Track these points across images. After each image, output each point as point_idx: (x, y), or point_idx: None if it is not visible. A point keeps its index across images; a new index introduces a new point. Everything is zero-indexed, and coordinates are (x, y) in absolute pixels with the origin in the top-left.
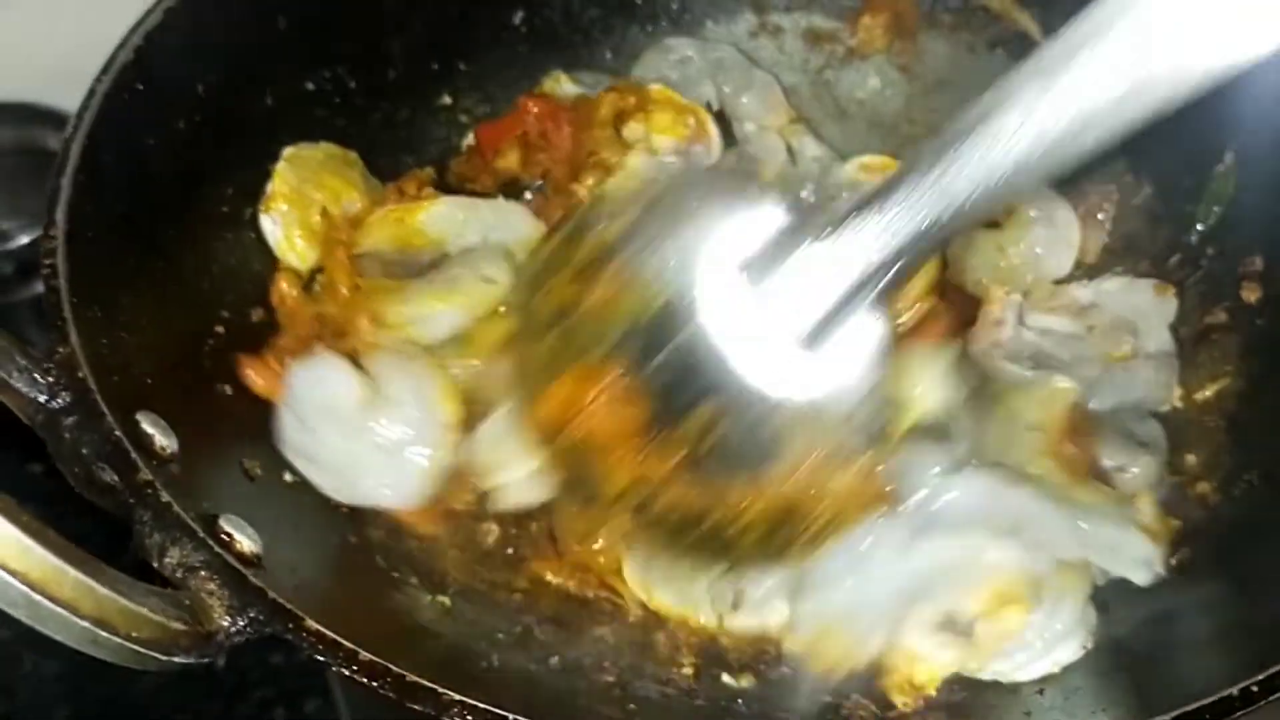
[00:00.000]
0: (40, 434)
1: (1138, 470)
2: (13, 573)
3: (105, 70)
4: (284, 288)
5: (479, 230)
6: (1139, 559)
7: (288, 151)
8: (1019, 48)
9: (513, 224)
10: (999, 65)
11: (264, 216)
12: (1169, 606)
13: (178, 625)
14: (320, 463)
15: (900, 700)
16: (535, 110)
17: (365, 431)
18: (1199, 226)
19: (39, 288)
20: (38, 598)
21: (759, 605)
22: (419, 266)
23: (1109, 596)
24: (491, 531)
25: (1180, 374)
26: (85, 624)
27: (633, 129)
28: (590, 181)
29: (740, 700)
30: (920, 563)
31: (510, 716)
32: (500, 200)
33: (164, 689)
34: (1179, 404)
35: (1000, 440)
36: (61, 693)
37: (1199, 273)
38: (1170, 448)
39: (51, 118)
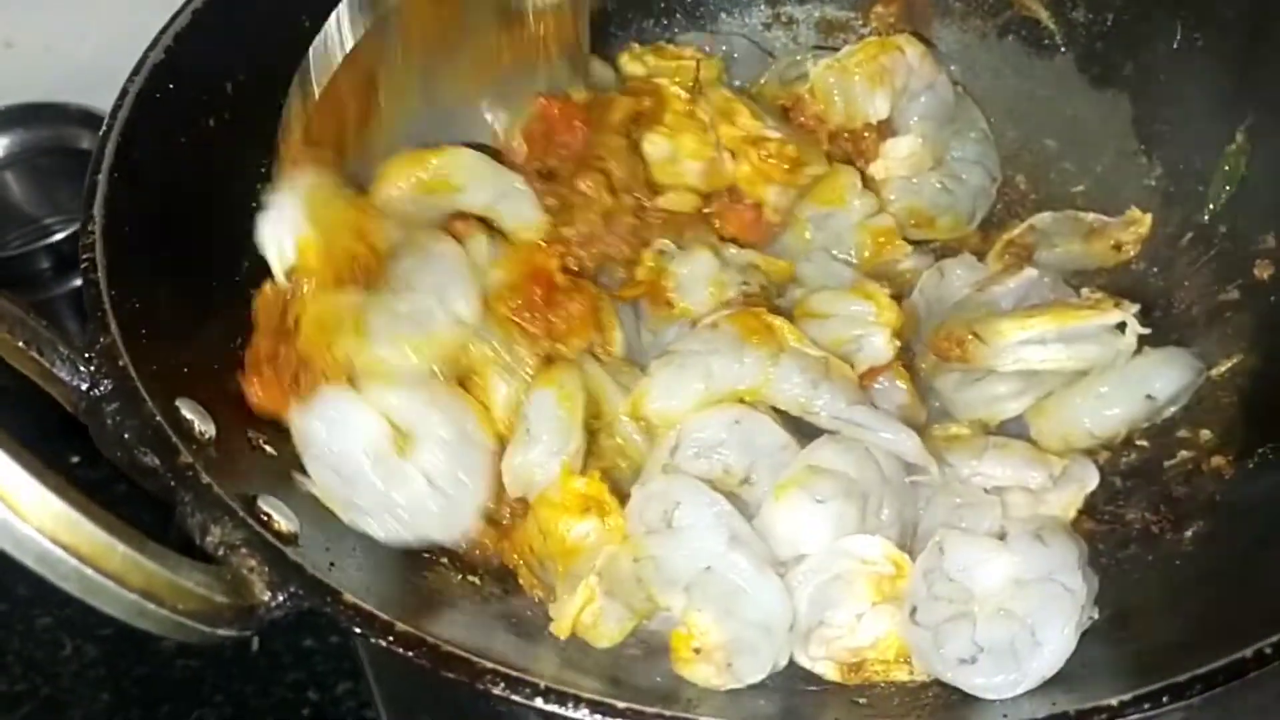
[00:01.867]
0: (83, 420)
1: None
2: (64, 547)
3: (137, 71)
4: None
5: (489, 194)
6: None
7: None
8: (1030, 34)
9: (520, 206)
10: (1010, 52)
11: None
12: (1184, 576)
13: (221, 599)
14: (368, 510)
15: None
16: (556, 112)
17: (407, 472)
18: (1211, 206)
19: (76, 282)
20: (88, 571)
21: None
22: (431, 218)
23: (1126, 566)
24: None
25: (1197, 349)
26: (134, 596)
27: (657, 145)
28: (588, 184)
29: None
30: None
31: (541, 683)
32: (519, 179)
33: (201, 672)
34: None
35: None
36: (101, 676)
37: (1211, 251)
38: (1188, 424)
39: (84, 118)
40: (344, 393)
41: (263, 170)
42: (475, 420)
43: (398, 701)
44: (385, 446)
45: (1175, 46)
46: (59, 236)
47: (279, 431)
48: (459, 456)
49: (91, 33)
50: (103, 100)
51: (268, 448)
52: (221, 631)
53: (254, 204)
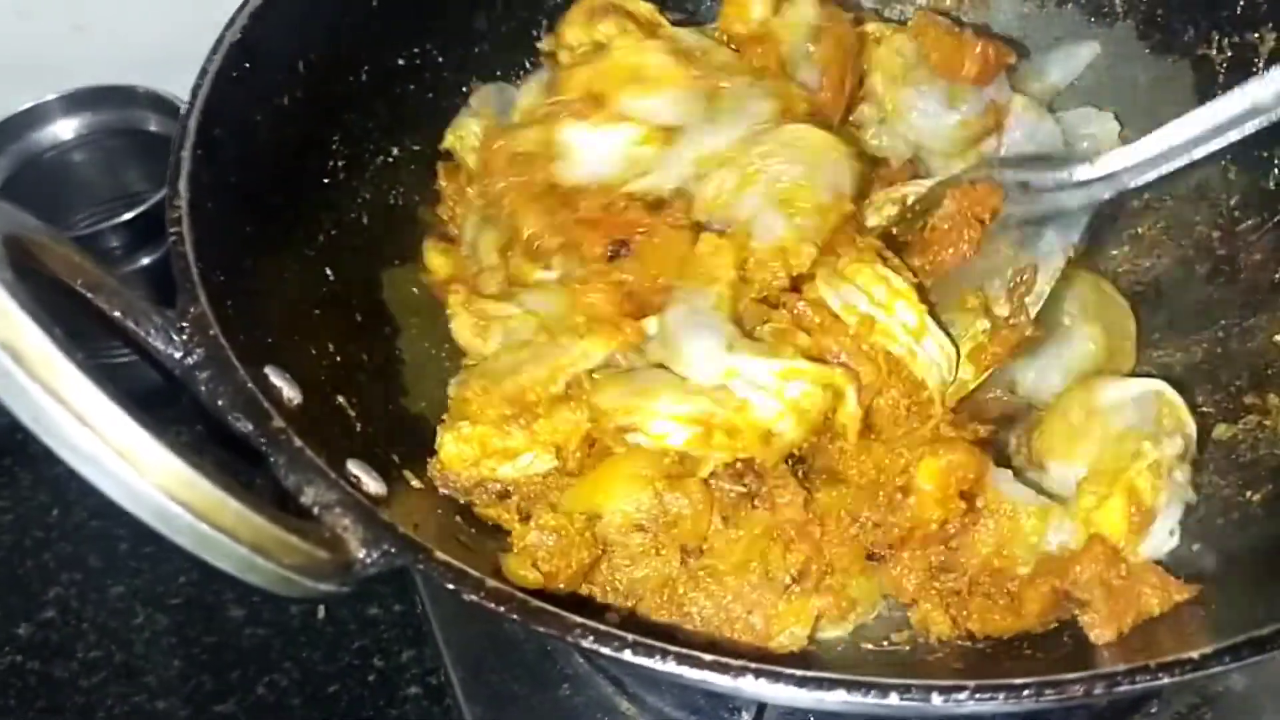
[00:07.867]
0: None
1: None
2: (180, 503)
3: (215, 51)
4: None
5: None
6: None
7: None
8: (1090, 2)
9: None
10: (1069, 20)
11: None
12: (1255, 538)
13: (323, 554)
14: None
15: None
16: None
17: None
18: (1275, 172)
19: (144, 260)
20: (202, 527)
21: None
22: None
23: (1195, 530)
24: None
25: (1263, 316)
26: (244, 550)
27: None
28: None
29: None
30: None
31: (629, 636)
32: None
33: (269, 640)
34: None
35: None
36: (173, 644)
37: (1276, 218)
38: (1254, 389)
39: (152, 100)
40: None
41: (335, 148)
42: None
43: (467, 663)
44: None
45: (1239, 11)
46: (127, 216)
47: (361, 400)
48: None
49: (158, 18)
50: (170, 83)
51: (351, 413)
52: (323, 586)
53: (326, 180)
